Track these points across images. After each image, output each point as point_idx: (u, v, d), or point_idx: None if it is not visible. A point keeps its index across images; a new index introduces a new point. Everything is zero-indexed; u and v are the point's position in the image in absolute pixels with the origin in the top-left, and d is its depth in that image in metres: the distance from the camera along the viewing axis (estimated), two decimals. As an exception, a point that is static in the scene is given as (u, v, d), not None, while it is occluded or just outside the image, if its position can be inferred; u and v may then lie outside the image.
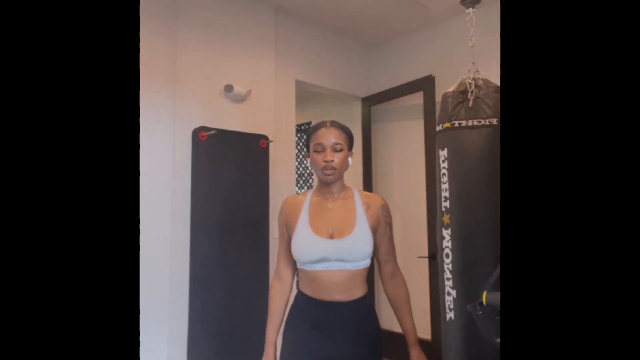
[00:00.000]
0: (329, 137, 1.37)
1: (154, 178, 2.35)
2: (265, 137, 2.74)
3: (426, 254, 3.02)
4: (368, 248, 1.38)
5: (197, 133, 2.48)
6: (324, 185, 1.43)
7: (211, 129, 2.51)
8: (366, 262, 1.41)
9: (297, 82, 3.16)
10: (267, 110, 2.87)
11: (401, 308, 1.48)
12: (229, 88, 2.63)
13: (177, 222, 2.42)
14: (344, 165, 1.40)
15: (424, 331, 3.08)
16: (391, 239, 1.48)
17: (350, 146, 1.44)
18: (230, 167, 2.58)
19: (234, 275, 2.52)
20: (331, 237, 1.36)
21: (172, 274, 2.39)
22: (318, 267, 1.35)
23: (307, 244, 1.36)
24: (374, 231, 1.42)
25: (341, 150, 1.38)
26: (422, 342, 3.20)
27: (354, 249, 1.35)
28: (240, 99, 2.72)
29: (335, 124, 1.41)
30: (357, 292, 1.39)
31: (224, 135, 2.56)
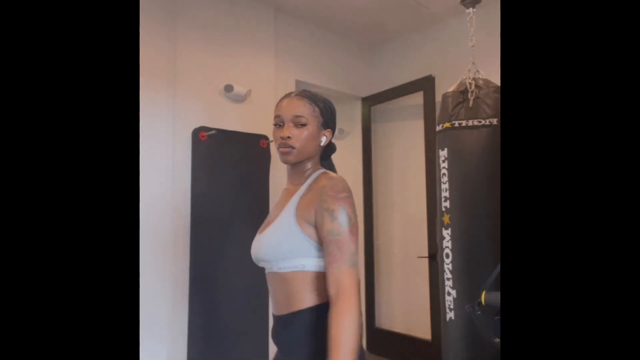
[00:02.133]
0: (290, 108, 1.10)
1: (154, 178, 2.35)
2: (265, 137, 2.74)
3: (426, 254, 3.02)
4: (287, 245, 1.03)
5: (197, 133, 2.48)
6: (290, 168, 1.16)
7: (211, 129, 2.51)
8: (296, 264, 1.03)
9: (297, 82, 3.16)
10: (267, 110, 2.87)
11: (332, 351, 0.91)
12: (229, 88, 2.63)
13: (177, 222, 2.42)
14: (309, 144, 1.10)
15: (424, 331, 3.08)
16: (335, 233, 0.97)
17: (326, 122, 1.15)
18: (231, 167, 2.59)
19: (234, 275, 2.52)
20: (261, 232, 1.12)
21: (172, 273, 2.39)
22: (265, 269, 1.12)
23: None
24: (310, 222, 1.02)
25: (304, 125, 1.09)
26: (422, 342, 3.18)
27: (267, 245, 1.05)
28: (240, 99, 2.72)
29: (302, 93, 1.14)
30: (295, 303, 1.03)
31: (224, 135, 2.56)
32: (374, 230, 3.48)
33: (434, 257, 2.89)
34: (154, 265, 2.32)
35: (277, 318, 1.08)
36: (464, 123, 1.76)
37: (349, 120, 3.72)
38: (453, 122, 1.78)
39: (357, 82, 3.57)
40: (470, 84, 1.80)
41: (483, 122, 1.74)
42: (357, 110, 3.64)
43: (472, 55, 1.91)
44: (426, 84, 3.08)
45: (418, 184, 3.20)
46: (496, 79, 1.85)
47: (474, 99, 1.76)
